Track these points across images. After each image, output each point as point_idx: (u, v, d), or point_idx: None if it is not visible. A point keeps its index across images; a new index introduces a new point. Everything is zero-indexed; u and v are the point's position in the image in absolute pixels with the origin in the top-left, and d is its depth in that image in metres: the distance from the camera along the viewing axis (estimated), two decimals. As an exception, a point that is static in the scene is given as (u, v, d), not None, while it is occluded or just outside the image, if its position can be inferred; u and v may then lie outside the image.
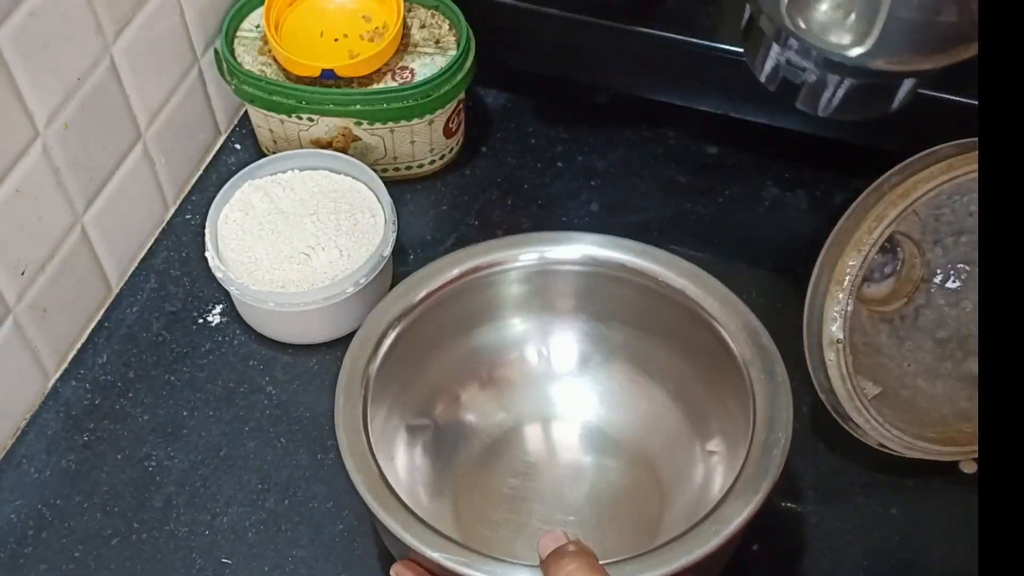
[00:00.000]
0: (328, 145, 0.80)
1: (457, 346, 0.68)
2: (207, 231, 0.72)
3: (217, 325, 0.76)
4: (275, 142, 0.81)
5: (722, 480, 0.63)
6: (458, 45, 0.78)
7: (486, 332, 0.69)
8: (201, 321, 0.76)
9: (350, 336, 0.73)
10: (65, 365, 0.74)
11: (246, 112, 0.85)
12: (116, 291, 0.77)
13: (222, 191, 0.74)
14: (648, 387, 0.68)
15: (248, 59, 0.79)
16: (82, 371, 0.73)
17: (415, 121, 0.78)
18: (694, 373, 0.67)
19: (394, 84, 0.78)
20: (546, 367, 0.70)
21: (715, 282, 0.63)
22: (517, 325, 0.69)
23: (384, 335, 0.62)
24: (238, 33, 0.80)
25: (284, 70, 0.78)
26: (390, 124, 0.78)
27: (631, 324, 0.68)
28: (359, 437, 0.58)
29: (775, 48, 0.56)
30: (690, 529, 0.54)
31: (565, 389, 0.69)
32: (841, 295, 0.60)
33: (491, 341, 0.69)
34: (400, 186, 0.80)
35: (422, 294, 0.64)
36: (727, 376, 0.62)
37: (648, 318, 0.67)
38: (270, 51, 0.79)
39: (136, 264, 0.78)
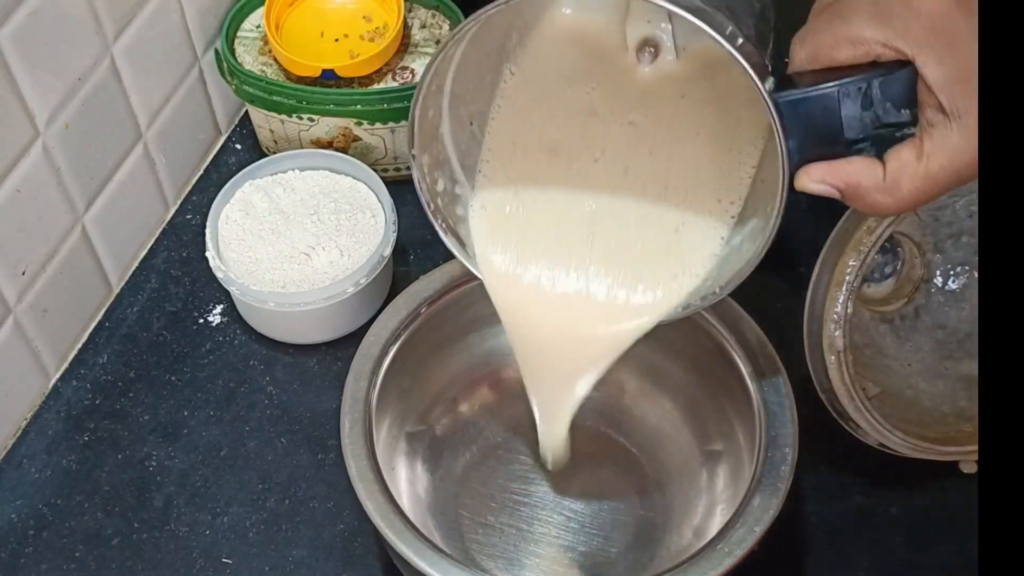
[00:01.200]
0: (329, 145, 0.80)
1: (458, 353, 0.68)
2: (208, 231, 0.72)
3: (217, 325, 0.76)
4: (276, 142, 0.81)
5: (725, 488, 0.63)
6: (458, 45, 0.78)
7: (488, 338, 0.69)
8: (202, 321, 0.76)
9: (350, 336, 0.74)
10: (66, 365, 0.74)
11: (247, 112, 0.85)
12: (117, 291, 0.77)
13: (223, 191, 0.74)
14: (652, 395, 0.68)
15: (249, 59, 0.79)
16: (83, 371, 0.73)
17: (415, 121, 0.78)
18: (699, 384, 0.67)
19: (395, 84, 0.78)
20: None
21: None
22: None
23: (385, 351, 0.62)
24: (239, 33, 0.80)
25: (285, 70, 0.78)
26: (391, 124, 0.78)
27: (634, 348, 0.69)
28: (367, 460, 0.58)
29: None
30: (703, 549, 0.54)
31: None
32: (841, 295, 0.60)
33: (493, 347, 0.69)
34: (400, 186, 0.80)
35: (422, 304, 0.64)
36: (732, 389, 0.63)
37: (652, 330, 0.67)
38: (271, 51, 0.79)
39: (137, 264, 0.79)
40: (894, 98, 0.44)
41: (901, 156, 0.45)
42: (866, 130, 0.45)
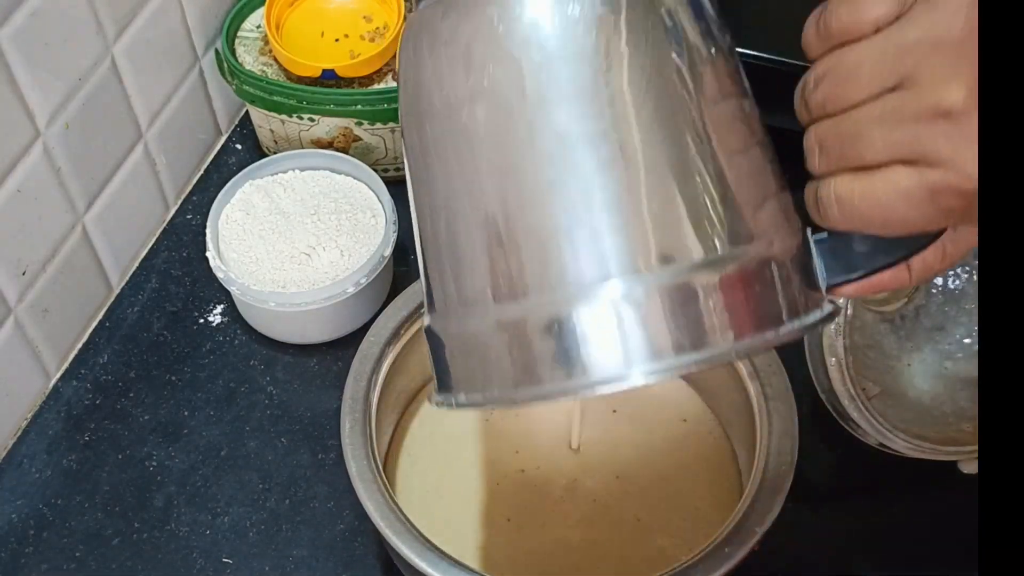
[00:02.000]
0: (329, 145, 0.80)
1: None
2: (208, 231, 0.72)
3: (218, 325, 0.76)
4: (276, 142, 0.81)
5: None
6: (459, 45, 0.78)
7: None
8: (202, 321, 0.76)
9: (351, 336, 0.74)
10: (66, 365, 0.74)
11: (247, 112, 0.85)
12: (117, 291, 0.77)
13: (223, 191, 0.74)
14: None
15: (249, 59, 0.79)
16: (83, 371, 0.73)
17: (416, 121, 0.78)
18: (698, 383, 0.67)
19: (395, 84, 0.78)
20: None
21: None
22: None
23: (385, 351, 0.62)
24: (239, 33, 0.80)
25: (285, 70, 0.78)
26: (391, 124, 0.78)
27: None
28: (367, 460, 0.57)
29: None
30: (704, 549, 0.54)
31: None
32: (841, 295, 0.60)
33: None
34: (401, 186, 0.80)
35: (423, 304, 0.64)
36: (732, 389, 0.63)
37: None
38: (271, 51, 0.79)
39: (137, 264, 0.79)
40: None
41: (926, 260, 0.43)
42: None
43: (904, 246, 0.41)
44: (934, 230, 0.41)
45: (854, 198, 0.39)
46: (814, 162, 0.40)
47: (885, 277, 0.44)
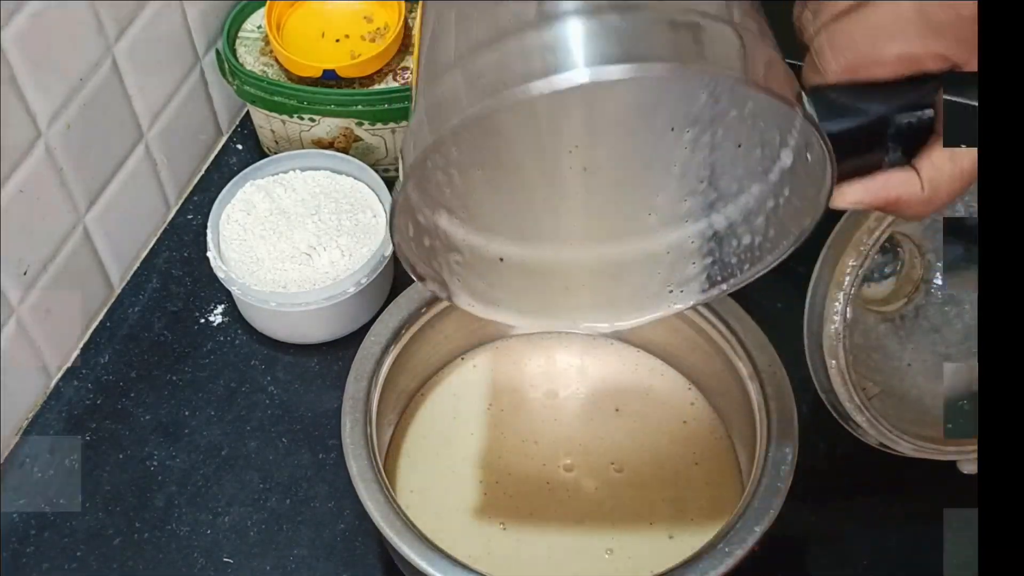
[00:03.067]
0: (330, 145, 0.80)
1: (459, 353, 0.68)
2: (209, 231, 0.72)
3: (219, 325, 0.76)
4: (277, 142, 0.82)
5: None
6: (459, 46, 0.78)
7: (489, 335, 0.69)
8: (203, 321, 0.76)
9: (352, 336, 0.74)
10: (67, 365, 0.74)
11: (248, 112, 0.85)
12: (118, 291, 0.77)
13: (224, 191, 0.74)
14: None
15: (250, 60, 0.79)
16: (84, 371, 0.74)
17: (416, 121, 0.78)
18: (699, 384, 0.67)
19: (395, 84, 0.78)
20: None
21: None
22: (520, 330, 0.70)
23: (386, 351, 0.62)
24: (240, 34, 0.80)
25: (286, 71, 0.78)
26: (391, 124, 0.78)
27: (636, 342, 0.69)
28: (367, 460, 0.58)
29: None
30: (703, 549, 0.54)
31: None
32: (841, 295, 0.60)
33: (494, 347, 0.69)
34: (401, 186, 0.80)
35: (423, 304, 0.64)
36: (732, 389, 0.63)
37: (653, 333, 0.67)
38: (272, 52, 0.79)
39: (138, 264, 0.79)
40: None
41: (933, 161, 0.42)
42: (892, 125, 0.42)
43: (893, 95, 0.41)
44: (930, 68, 0.40)
45: (845, 28, 0.40)
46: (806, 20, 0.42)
47: (893, 180, 0.43)
